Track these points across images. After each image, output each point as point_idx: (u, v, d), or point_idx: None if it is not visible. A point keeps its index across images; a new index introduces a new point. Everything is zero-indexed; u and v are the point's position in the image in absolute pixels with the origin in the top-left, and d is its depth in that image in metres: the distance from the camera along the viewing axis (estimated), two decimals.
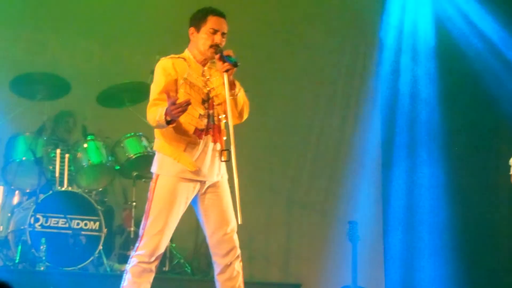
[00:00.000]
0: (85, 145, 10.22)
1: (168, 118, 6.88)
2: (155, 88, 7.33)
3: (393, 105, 12.36)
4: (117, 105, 10.82)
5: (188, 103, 6.79)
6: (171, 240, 8.33)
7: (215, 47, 7.24)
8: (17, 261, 9.50)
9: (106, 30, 11.71)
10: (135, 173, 10.41)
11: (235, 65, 7.11)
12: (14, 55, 10.89)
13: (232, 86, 7.25)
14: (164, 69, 7.46)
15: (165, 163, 7.41)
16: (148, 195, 7.35)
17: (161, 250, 7.25)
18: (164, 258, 8.83)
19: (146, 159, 10.00)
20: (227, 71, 7.11)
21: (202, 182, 7.32)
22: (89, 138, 10.30)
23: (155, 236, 7.24)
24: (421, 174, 11.96)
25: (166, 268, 9.70)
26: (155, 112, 7.08)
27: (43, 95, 10.39)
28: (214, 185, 7.40)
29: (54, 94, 10.51)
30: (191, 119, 7.32)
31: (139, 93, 10.42)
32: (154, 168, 7.47)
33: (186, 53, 7.68)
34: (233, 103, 7.24)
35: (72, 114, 10.72)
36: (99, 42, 11.64)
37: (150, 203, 7.27)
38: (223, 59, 7.21)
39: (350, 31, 12.71)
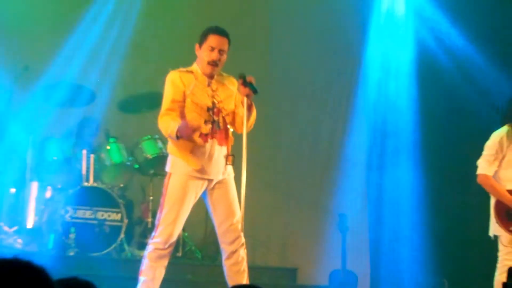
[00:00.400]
0: (108, 147, 10.35)
1: (179, 135, 7.30)
2: (165, 98, 7.77)
3: (377, 115, 12.38)
4: (136, 111, 10.87)
5: (199, 127, 6.96)
6: (183, 230, 8.40)
7: (240, 74, 7.54)
8: (50, 247, 9.63)
9: (126, 46, 11.58)
10: (151, 171, 10.47)
11: (255, 92, 7.50)
12: (45, 66, 10.79)
13: (249, 108, 7.57)
14: (172, 82, 7.68)
15: (176, 163, 7.85)
16: (162, 191, 7.72)
17: (174, 238, 7.61)
18: (177, 245, 8.78)
19: (161, 159, 10.06)
20: (247, 95, 7.38)
21: (210, 180, 7.57)
22: (111, 140, 10.41)
23: (168, 226, 7.51)
24: (400, 174, 11.99)
25: (179, 254, 9.76)
26: (167, 123, 7.52)
27: (71, 102, 10.45)
28: (221, 182, 7.62)
29: (80, 102, 10.52)
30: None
31: (155, 101, 10.45)
32: (167, 167, 7.96)
33: (194, 66, 7.84)
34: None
35: (95, 119, 10.64)
36: (121, 56, 11.48)
37: (164, 197, 7.65)
38: (245, 84, 7.49)
39: (338, 50, 12.65)
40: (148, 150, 10.40)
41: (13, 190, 10.14)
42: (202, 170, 7.58)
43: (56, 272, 3.39)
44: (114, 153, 10.33)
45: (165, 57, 11.10)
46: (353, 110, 12.45)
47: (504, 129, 8.37)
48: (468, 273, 10.97)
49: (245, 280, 7.80)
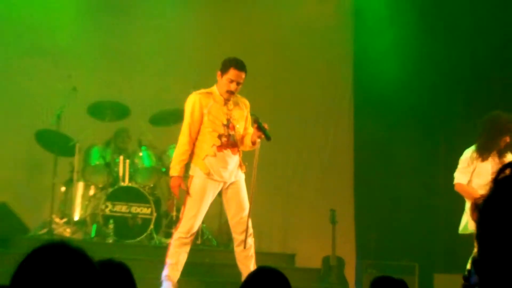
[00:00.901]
0: (140, 154, 10.39)
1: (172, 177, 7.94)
2: (186, 119, 8.03)
3: (363, 134, 12.38)
4: (163, 124, 10.90)
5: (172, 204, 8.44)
6: (203, 222, 8.41)
7: (255, 118, 7.80)
8: (92, 236, 9.76)
9: (157, 68, 11.65)
10: None
11: (268, 138, 7.78)
12: (91, 88, 10.83)
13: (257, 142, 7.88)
14: (192, 103, 7.90)
15: (197, 168, 7.77)
16: (186, 190, 7.72)
17: (195, 229, 7.86)
18: (197, 234, 8.84)
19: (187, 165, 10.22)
20: (259, 137, 7.72)
21: (224, 182, 7.77)
22: (143, 148, 10.44)
23: (190, 219, 7.71)
24: (381, 177, 12.03)
25: (199, 242, 9.73)
26: (177, 161, 7.97)
27: (110, 117, 10.55)
28: (234, 183, 7.83)
29: (118, 116, 10.62)
30: (211, 138, 7.77)
31: (178, 116, 10.52)
32: (190, 171, 8.03)
33: (214, 88, 7.96)
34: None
35: (127, 131, 10.68)
36: (152, 76, 11.59)
37: (187, 195, 7.74)
38: (259, 128, 7.74)
39: (330, 84, 12.70)
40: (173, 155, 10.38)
41: (63, 188, 10.22)
42: (218, 174, 7.76)
43: (97, 256, 3.45)
44: (145, 158, 10.39)
45: (189, 80, 11.04)
46: (342, 128, 12.51)
47: (473, 147, 8.44)
48: (434, 257, 11.01)
49: (252, 264, 7.97)
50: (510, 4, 10.99)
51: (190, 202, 7.88)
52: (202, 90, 8.07)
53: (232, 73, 7.87)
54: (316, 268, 10.86)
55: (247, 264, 7.87)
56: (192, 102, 7.94)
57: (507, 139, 8.41)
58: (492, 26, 11.21)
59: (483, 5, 11.21)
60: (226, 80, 7.91)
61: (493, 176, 1.91)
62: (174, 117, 10.56)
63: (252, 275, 3.96)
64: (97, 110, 10.59)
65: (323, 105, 12.51)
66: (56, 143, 10.17)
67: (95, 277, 2.45)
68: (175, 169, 7.95)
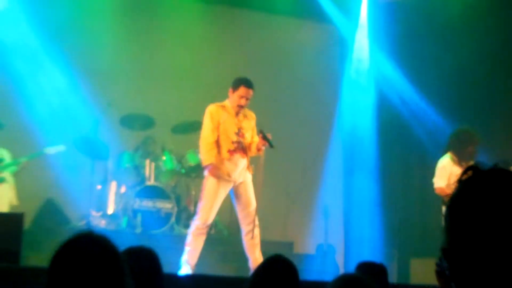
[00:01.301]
0: (164, 158, 10.38)
1: (207, 167, 7.96)
2: (207, 126, 8.06)
3: (351, 141, 12.44)
4: (183, 133, 10.90)
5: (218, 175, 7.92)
6: (216, 215, 8.35)
7: (260, 130, 8.00)
8: (123, 226, 9.81)
9: (177, 85, 11.64)
10: (193, 175, 10.47)
11: (271, 146, 7.95)
12: (123, 102, 10.85)
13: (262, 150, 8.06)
14: (211, 114, 8.01)
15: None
16: (202, 188, 8.02)
17: (210, 221, 8.00)
18: (211, 226, 8.79)
19: (200, 166, 10.20)
20: (264, 145, 7.92)
21: (234, 181, 7.87)
22: (165, 153, 10.41)
23: (206, 213, 7.84)
24: (365, 180, 12.04)
25: (213, 232, 9.68)
26: (207, 154, 7.96)
27: (139, 127, 10.61)
28: (242, 182, 7.97)
29: (145, 126, 10.63)
30: (225, 143, 7.91)
31: (196, 126, 10.48)
32: (205, 172, 7.88)
33: (226, 102, 8.10)
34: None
35: (153, 138, 10.64)
36: (173, 92, 11.53)
37: (202, 193, 7.91)
38: (264, 138, 7.94)
39: (323, 97, 12.74)
40: (191, 160, 10.37)
41: (99, 186, 10.28)
42: (229, 175, 7.87)
43: (127, 243, 3.57)
44: (167, 162, 10.37)
45: (205, 95, 11.00)
46: (332, 136, 12.54)
47: (447, 155, 8.55)
48: (410, 244, 11.04)
49: (258, 251, 8.08)
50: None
51: (205, 199, 7.94)
52: (217, 103, 8.15)
53: (242, 90, 8.00)
54: (311, 254, 10.98)
55: (253, 251, 7.96)
56: (210, 112, 8.05)
57: (471, 149, 8.54)
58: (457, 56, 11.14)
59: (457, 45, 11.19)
60: (237, 96, 8.03)
61: (457, 177, 1.97)
62: (192, 127, 10.56)
63: (266, 263, 3.92)
64: (128, 121, 10.61)
65: (315, 121, 12.59)
66: (93, 148, 10.16)
67: (115, 257, 2.56)
68: (208, 158, 7.98)
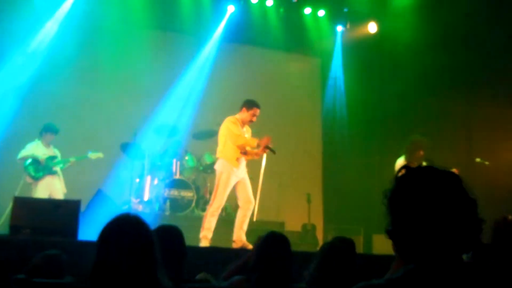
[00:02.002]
0: (186, 158, 10.39)
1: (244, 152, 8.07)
2: (235, 131, 8.05)
3: (328, 145, 12.43)
4: (201, 139, 10.88)
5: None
6: (226, 201, 8.33)
7: (267, 147, 8.12)
8: (156, 210, 9.75)
9: (196, 102, 11.75)
10: (209, 170, 10.37)
11: (274, 153, 8.21)
12: (154, 115, 11.00)
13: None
14: (234, 123, 8.06)
15: (225, 165, 8.07)
16: (216, 181, 8.09)
17: (222, 206, 8.11)
18: (222, 210, 8.81)
19: (213, 164, 10.24)
20: (265, 152, 8.21)
21: (239, 176, 7.95)
22: (188, 154, 10.43)
23: (220, 199, 7.97)
24: (339, 174, 12.04)
25: (223, 214, 9.62)
26: (248, 141, 8.09)
27: (167, 134, 10.55)
28: (243, 177, 8.08)
29: (172, 133, 10.55)
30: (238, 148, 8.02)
31: (212, 134, 10.47)
32: (219, 167, 8.11)
33: (238, 116, 8.18)
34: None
35: (178, 142, 10.57)
36: (194, 107, 11.63)
37: (218, 184, 8.09)
38: (267, 148, 8.15)
39: (306, 107, 12.74)
40: (207, 159, 10.37)
41: (137, 180, 10.23)
42: (237, 171, 7.98)
43: (159, 223, 3.60)
44: (189, 161, 10.38)
45: (215, 111, 11.06)
46: (314, 141, 12.54)
47: (402, 157, 8.62)
48: (373, 222, 10.93)
49: (246, 224, 8.10)
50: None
51: (220, 188, 7.99)
52: (234, 117, 8.19)
53: (255, 110, 8.15)
54: (297, 231, 10.94)
55: (243, 223, 8.01)
56: (234, 122, 8.10)
57: (421, 152, 8.58)
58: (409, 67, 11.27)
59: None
60: (250, 114, 8.14)
61: (395, 174, 2.03)
62: (208, 134, 10.63)
63: (267, 236, 3.94)
64: (159, 130, 10.57)
65: (302, 129, 12.61)
66: (133, 151, 10.17)
67: (146, 231, 2.67)
68: (251, 142, 8.16)
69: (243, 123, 8.24)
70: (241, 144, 8.08)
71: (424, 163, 8.60)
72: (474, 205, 1.87)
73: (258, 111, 8.24)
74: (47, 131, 9.42)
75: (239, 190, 8.13)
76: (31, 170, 9.24)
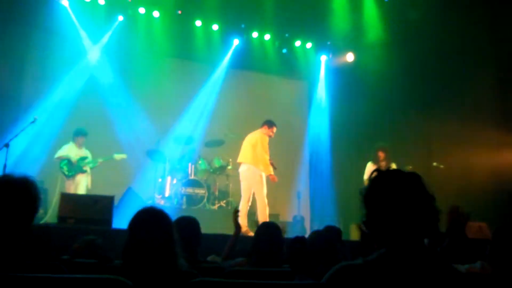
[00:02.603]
0: (199, 162, 10.27)
1: (270, 175, 8.17)
2: (267, 145, 8.22)
3: (314, 151, 12.40)
4: (212, 146, 10.79)
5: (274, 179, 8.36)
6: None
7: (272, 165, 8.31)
8: (175, 204, 9.67)
9: (208, 116, 11.63)
10: (218, 172, 10.36)
11: (274, 168, 8.34)
12: (175, 127, 10.90)
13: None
14: (266, 140, 8.28)
15: (255, 171, 8.14)
16: (257, 184, 8.27)
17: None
18: (227, 203, 8.67)
19: (223, 167, 10.23)
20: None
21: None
22: (201, 159, 10.32)
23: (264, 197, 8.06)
24: (323, 174, 12.01)
25: (229, 207, 9.70)
26: (268, 167, 8.14)
27: (185, 142, 10.42)
28: None
29: (188, 142, 10.45)
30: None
31: (221, 143, 10.58)
32: (249, 172, 8.13)
33: (263, 131, 8.33)
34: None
35: (193, 150, 10.49)
36: (206, 120, 11.51)
37: (259, 186, 8.17)
38: (271, 164, 8.19)
39: (296, 122, 12.71)
40: (216, 163, 10.30)
41: (160, 180, 10.15)
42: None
43: (178, 214, 3.58)
44: (202, 164, 10.27)
45: (222, 124, 11.14)
46: (303, 149, 12.51)
47: (370, 161, 8.73)
48: (350, 214, 10.76)
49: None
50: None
51: (262, 189, 8.14)
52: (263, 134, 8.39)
53: (274, 128, 8.32)
54: (289, 221, 10.91)
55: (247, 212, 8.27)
56: (265, 139, 8.23)
57: (381, 154, 8.61)
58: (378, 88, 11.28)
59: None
60: (271, 131, 8.33)
61: (368, 176, 2.05)
62: (217, 143, 10.65)
63: (264, 225, 3.99)
64: (178, 139, 10.51)
65: (292, 140, 12.54)
66: (156, 156, 10.11)
67: (166, 220, 2.69)
68: (270, 170, 8.20)
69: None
70: (267, 157, 8.15)
71: (393, 166, 8.65)
72: (432, 200, 1.91)
73: (275, 129, 8.29)
74: (79, 134, 9.26)
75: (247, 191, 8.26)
76: (65, 169, 9.13)
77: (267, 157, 8.17)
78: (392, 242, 1.88)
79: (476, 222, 6.92)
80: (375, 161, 8.73)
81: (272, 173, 8.21)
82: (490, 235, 3.00)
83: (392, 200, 1.89)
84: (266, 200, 8.16)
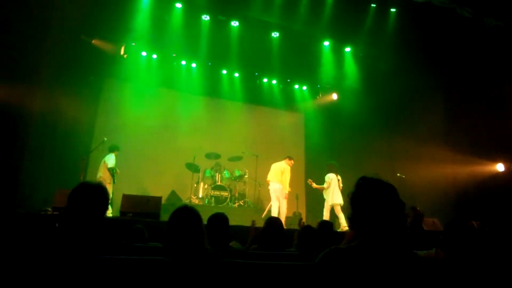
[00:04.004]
0: (224, 172, 10.18)
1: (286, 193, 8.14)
2: (289, 175, 8.35)
3: (309, 166, 12.22)
4: (234, 161, 10.67)
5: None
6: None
7: None
8: (206, 203, 9.56)
9: (230, 138, 11.33)
10: (237, 180, 10.25)
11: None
12: (206, 146, 10.68)
13: None
14: (291, 169, 8.38)
15: (282, 188, 8.23)
16: (282, 196, 8.28)
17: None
18: (245, 202, 8.51)
19: (241, 176, 10.15)
20: None
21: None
22: (225, 170, 10.23)
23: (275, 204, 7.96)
24: (317, 178, 11.78)
25: (246, 206, 9.57)
26: (288, 187, 8.17)
27: (213, 157, 10.42)
28: None
29: (216, 157, 10.42)
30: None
31: (239, 159, 10.50)
32: (279, 188, 8.24)
33: (286, 162, 8.29)
34: None
35: (220, 163, 10.37)
36: (228, 142, 11.22)
37: (282, 198, 8.29)
38: None
39: (296, 140, 12.59)
40: (237, 173, 10.22)
41: (195, 185, 10.04)
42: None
43: (208, 211, 3.48)
44: (226, 174, 10.18)
45: (238, 145, 11.03)
46: (301, 159, 12.27)
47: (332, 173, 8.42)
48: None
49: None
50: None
51: (283, 199, 8.22)
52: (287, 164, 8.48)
53: (293, 161, 8.46)
54: (290, 216, 10.68)
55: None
56: (288, 165, 8.38)
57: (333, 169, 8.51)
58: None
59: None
60: (291, 162, 8.47)
61: (356, 182, 1.98)
62: (236, 158, 10.57)
63: (270, 220, 3.83)
64: (209, 155, 10.45)
65: (292, 156, 12.39)
66: (193, 168, 10.04)
67: (197, 216, 2.62)
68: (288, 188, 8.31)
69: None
70: (289, 181, 8.33)
71: (338, 177, 8.47)
72: (403, 206, 1.85)
73: (293, 161, 8.51)
74: (116, 149, 8.52)
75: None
76: (115, 178, 8.26)
77: (288, 181, 8.38)
78: (369, 233, 1.82)
79: (430, 218, 6.80)
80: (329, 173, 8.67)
81: (288, 192, 8.43)
82: (442, 228, 2.93)
83: (371, 202, 1.83)
84: (286, 206, 8.33)
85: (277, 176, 8.43)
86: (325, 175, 8.47)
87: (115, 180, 8.19)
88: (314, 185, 8.37)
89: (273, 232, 3.65)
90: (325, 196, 8.34)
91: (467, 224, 2.71)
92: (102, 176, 8.05)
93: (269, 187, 8.49)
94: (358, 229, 1.85)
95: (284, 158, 8.73)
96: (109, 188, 8.12)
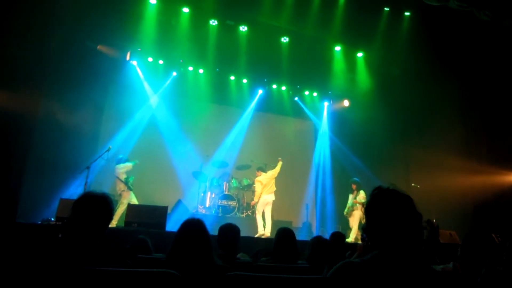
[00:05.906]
0: (232, 181, 10.19)
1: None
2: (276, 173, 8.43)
3: (320, 174, 12.24)
4: (242, 169, 10.72)
5: None
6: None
7: None
8: (213, 213, 9.55)
9: (238, 147, 11.43)
10: (246, 189, 10.26)
11: None
12: (213, 154, 10.78)
13: None
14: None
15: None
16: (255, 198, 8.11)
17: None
18: (252, 212, 8.64)
19: (250, 186, 10.14)
20: None
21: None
22: (233, 179, 10.23)
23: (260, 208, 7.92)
24: (326, 192, 11.80)
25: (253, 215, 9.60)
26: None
27: (220, 166, 10.45)
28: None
29: (223, 165, 10.46)
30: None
31: (248, 167, 10.49)
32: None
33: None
34: None
35: (227, 173, 10.41)
36: (236, 151, 11.25)
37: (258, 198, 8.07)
38: None
39: (305, 152, 12.56)
40: (245, 182, 10.23)
41: (202, 194, 10.05)
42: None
43: (216, 221, 3.49)
44: (234, 183, 10.19)
45: (248, 153, 11.06)
46: (310, 171, 12.33)
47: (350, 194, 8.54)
48: (346, 223, 10.53)
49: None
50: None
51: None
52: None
53: (260, 172, 8.57)
54: (300, 227, 10.66)
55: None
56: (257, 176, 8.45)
57: (354, 186, 8.63)
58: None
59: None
60: (258, 174, 8.53)
61: (371, 192, 1.96)
62: (245, 167, 10.58)
63: (281, 230, 3.80)
64: (216, 163, 10.48)
65: (302, 167, 12.37)
66: (200, 176, 10.06)
67: (203, 226, 2.64)
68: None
69: None
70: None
71: (361, 193, 8.47)
72: (420, 218, 1.82)
73: (260, 173, 8.71)
74: (121, 162, 8.61)
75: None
76: (130, 183, 8.46)
77: (259, 193, 8.48)
78: (385, 246, 1.79)
79: (447, 231, 6.70)
80: (351, 191, 8.72)
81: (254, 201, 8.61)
82: (459, 241, 2.87)
83: (387, 214, 1.80)
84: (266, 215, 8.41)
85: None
86: (355, 192, 8.48)
87: (131, 187, 8.40)
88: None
89: (285, 243, 3.61)
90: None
91: (487, 237, 2.65)
92: (119, 186, 8.49)
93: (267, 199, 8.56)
94: (373, 241, 1.82)
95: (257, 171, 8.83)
96: (127, 195, 8.39)
